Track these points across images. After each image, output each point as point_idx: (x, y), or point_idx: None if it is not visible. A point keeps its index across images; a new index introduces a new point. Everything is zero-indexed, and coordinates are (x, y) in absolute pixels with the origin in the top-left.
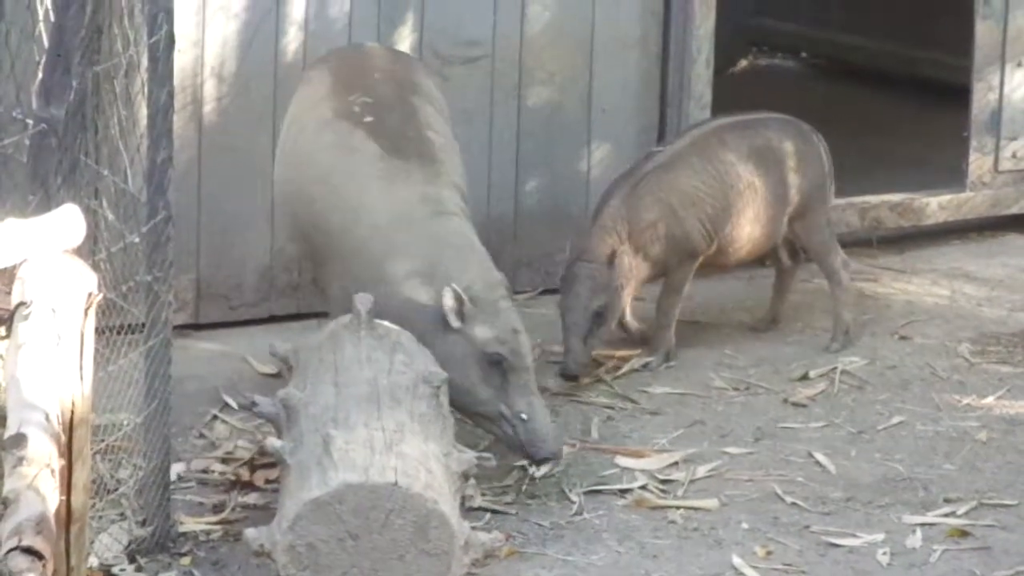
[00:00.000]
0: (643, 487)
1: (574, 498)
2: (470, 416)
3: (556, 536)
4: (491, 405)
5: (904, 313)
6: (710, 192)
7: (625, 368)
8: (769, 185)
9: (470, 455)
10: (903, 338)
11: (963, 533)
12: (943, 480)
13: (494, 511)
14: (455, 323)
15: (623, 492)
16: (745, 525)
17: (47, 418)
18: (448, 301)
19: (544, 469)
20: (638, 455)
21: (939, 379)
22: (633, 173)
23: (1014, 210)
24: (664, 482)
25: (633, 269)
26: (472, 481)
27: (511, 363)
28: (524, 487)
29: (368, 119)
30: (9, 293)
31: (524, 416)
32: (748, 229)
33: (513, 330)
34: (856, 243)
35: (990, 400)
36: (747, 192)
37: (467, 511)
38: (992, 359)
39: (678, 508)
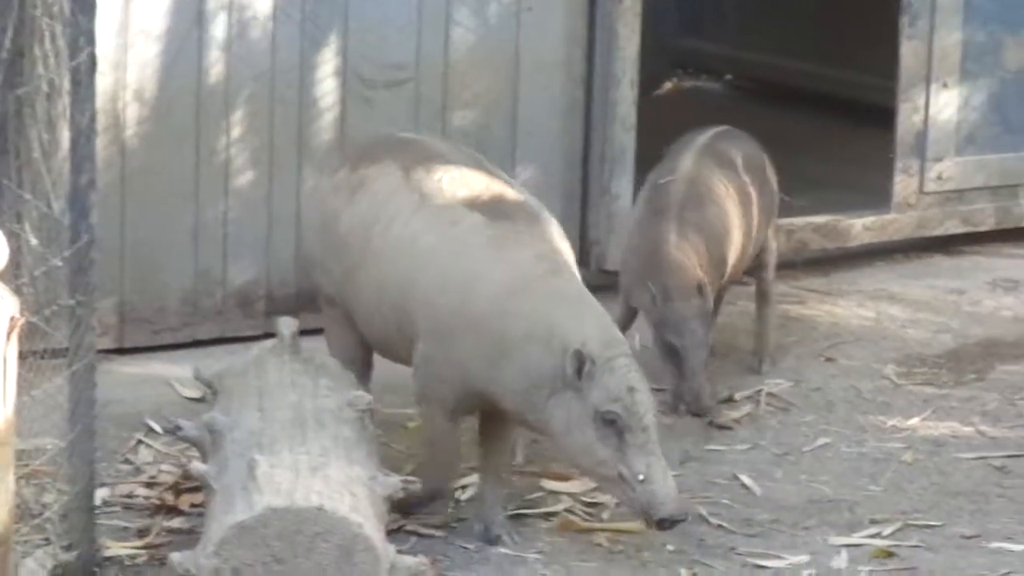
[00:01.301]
0: (568, 510)
1: None
2: (594, 480)
3: (482, 559)
4: (609, 466)
5: (829, 335)
6: (731, 212)
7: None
8: (755, 198)
9: (395, 479)
10: (828, 360)
11: (888, 554)
12: (869, 501)
13: (420, 534)
14: (573, 382)
15: (549, 515)
16: (671, 547)
17: None
18: (570, 361)
19: (663, 524)
20: (563, 478)
21: (864, 401)
22: (663, 209)
23: (939, 232)
24: (589, 505)
25: None
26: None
27: (627, 422)
28: (450, 510)
29: (462, 193)
30: None
31: (642, 477)
32: (743, 245)
33: (629, 388)
34: (781, 265)
35: (915, 421)
36: (744, 208)
37: (392, 534)
38: (917, 381)
39: (604, 531)
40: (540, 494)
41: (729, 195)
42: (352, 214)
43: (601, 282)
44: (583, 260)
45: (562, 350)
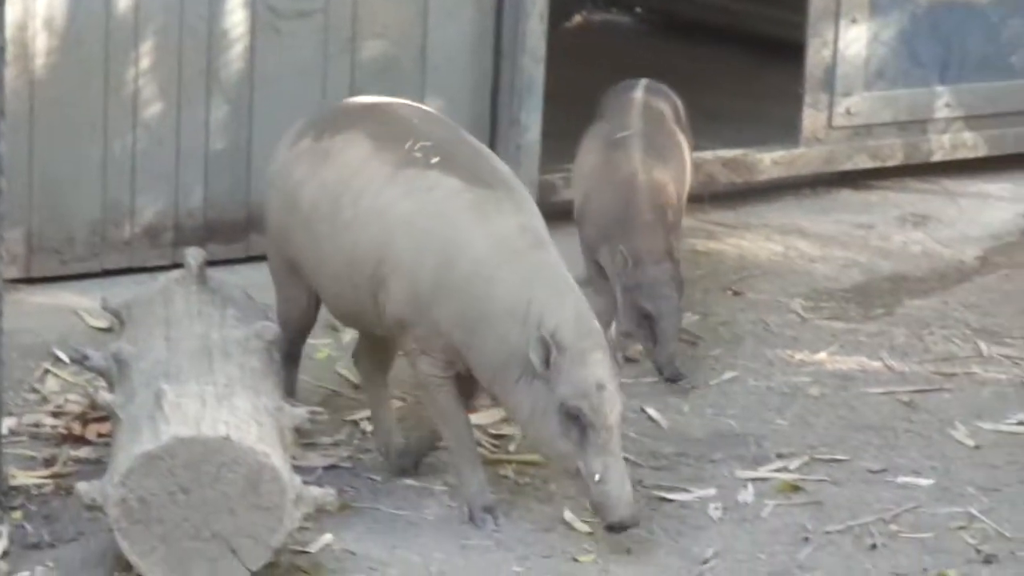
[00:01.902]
0: (475, 441)
1: None
2: (556, 467)
3: (388, 491)
4: (569, 461)
5: (737, 269)
6: (684, 162)
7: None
8: (688, 146)
9: (302, 410)
10: (736, 293)
11: (795, 488)
12: (775, 435)
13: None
14: (540, 371)
15: None
16: None
17: None
18: (535, 347)
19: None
20: (470, 410)
21: (772, 335)
22: (628, 166)
23: (847, 166)
24: (496, 436)
25: None
26: None
27: (590, 420)
28: (356, 441)
29: (435, 159)
30: None
31: (598, 477)
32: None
33: (597, 385)
34: (689, 199)
35: (822, 355)
36: (688, 156)
37: (299, 465)
38: (824, 315)
39: (510, 462)
40: None
41: (679, 145)
42: (318, 185)
43: None
44: None
45: (537, 331)
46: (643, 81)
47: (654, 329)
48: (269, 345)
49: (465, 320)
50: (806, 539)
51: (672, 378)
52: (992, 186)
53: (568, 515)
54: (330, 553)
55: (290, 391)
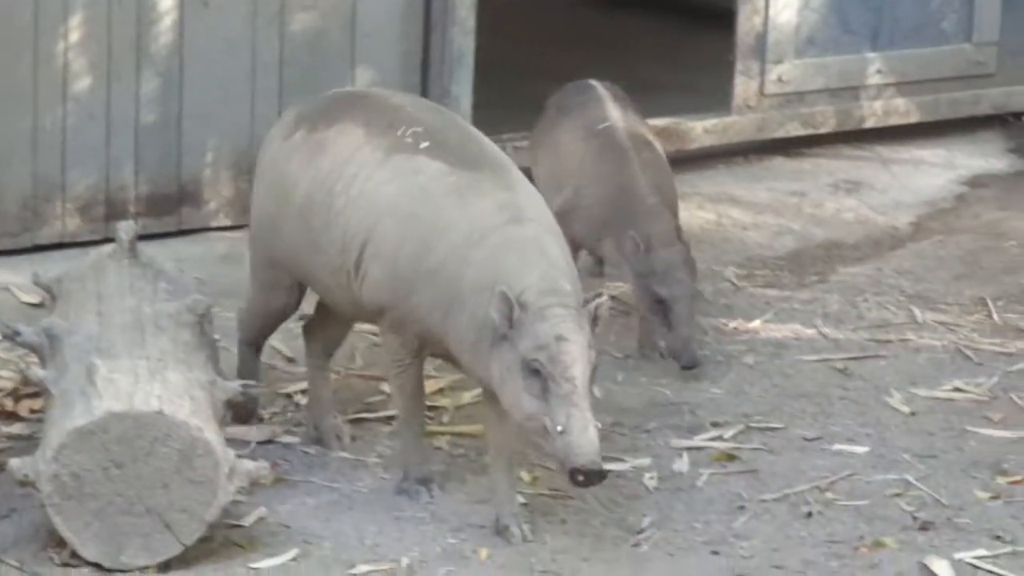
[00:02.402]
0: None
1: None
2: (534, 444)
3: (322, 464)
4: (537, 420)
5: None
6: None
7: None
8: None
9: (235, 383)
10: None
11: (730, 457)
12: (710, 404)
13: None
14: (503, 329)
15: (388, 419)
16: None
17: None
18: (495, 304)
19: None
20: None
21: (706, 303)
22: (620, 155)
23: (779, 134)
24: (430, 408)
25: None
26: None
27: (550, 371)
28: (290, 414)
29: (424, 144)
30: None
31: (560, 428)
32: None
33: (557, 337)
34: None
35: (757, 324)
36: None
37: (232, 439)
38: (758, 283)
39: (444, 434)
40: (380, 398)
41: (652, 130)
42: (312, 178)
43: None
44: None
45: (493, 296)
46: (589, 80)
47: (668, 315)
48: (201, 318)
49: (441, 304)
50: (742, 507)
51: (689, 364)
52: (925, 152)
53: None
54: (264, 526)
55: (254, 376)
